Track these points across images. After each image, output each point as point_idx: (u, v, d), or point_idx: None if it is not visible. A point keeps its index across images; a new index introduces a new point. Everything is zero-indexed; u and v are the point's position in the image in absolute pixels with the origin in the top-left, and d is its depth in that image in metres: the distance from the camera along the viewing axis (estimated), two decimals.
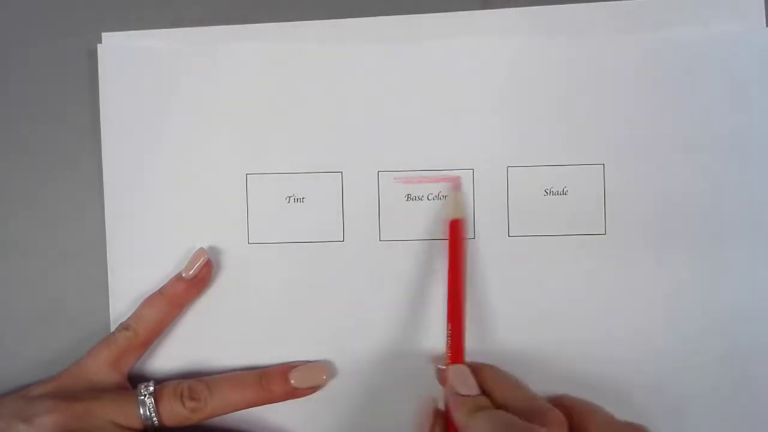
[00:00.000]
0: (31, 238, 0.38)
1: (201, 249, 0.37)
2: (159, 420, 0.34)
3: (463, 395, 0.33)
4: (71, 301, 0.38)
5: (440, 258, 0.37)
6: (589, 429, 0.31)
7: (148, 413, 0.34)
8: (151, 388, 0.35)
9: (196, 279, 0.36)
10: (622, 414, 0.33)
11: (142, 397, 0.34)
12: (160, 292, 0.36)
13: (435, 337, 0.37)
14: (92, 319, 0.38)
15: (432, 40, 0.37)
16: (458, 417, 0.32)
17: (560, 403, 0.33)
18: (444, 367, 0.35)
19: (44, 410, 0.34)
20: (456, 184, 0.37)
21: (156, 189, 0.37)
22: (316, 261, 0.37)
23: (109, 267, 0.37)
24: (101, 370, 0.35)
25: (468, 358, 0.35)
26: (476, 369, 0.34)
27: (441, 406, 0.34)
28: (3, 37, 0.38)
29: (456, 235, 0.36)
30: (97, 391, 0.35)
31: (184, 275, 0.36)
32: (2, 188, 0.38)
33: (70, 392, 0.35)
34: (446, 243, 0.36)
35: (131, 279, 0.37)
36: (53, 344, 0.38)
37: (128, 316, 0.36)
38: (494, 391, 0.33)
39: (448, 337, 0.35)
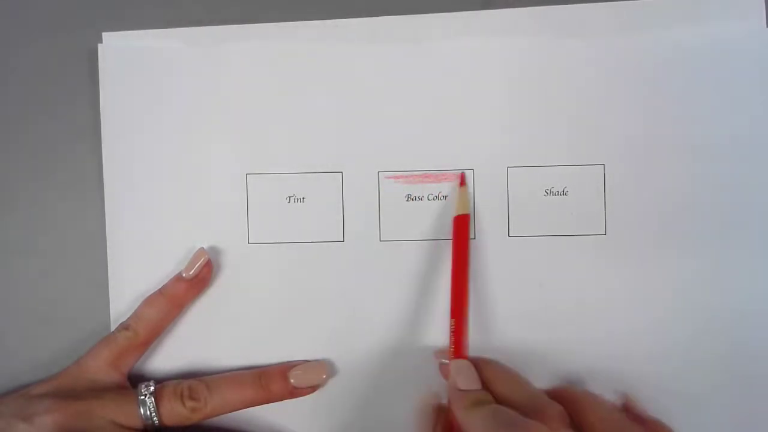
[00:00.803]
0: (31, 238, 0.38)
1: (201, 249, 0.37)
2: (159, 420, 0.34)
3: (463, 390, 0.33)
4: (71, 301, 0.38)
5: (440, 257, 0.37)
6: (589, 421, 0.31)
7: (148, 413, 0.34)
8: (152, 388, 0.35)
9: (197, 279, 0.36)
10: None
11: (143, 397, 0.34)
12: (160, 292, 0.36)
13: (436, 336, 0.37)
14: (92, 319, 0.38)
15: (432, 40, 0.37)
16: (458, 411, 0.32)
17: (561, 395, 0.32)
18: (446, 361, 0.35)
19: (44, 409, 0.34)
20: (462, 180, 0.37)
21: (156, 189, 0.37)
22: (316, 261, 0.37)
23: (109, 267, 0.37)
24: (101, 369, 0.35)
25: (469, 355, 0.35)
26: (478, 364, 0.34)
27: (444, 401, 0.34)
28: (3, 37, 0.38)
29: (461, 231, 0.36)
30: (97, 391, 0.35)
31: (184, 275, 0.36)
32: (2, 188, 0.38)
33: (70, 391, 0.35)
34: (448, 242, 0.36)
35: (131, 279, 0.37)
36: (53, 344, 0.38)
37: (128, 316, 0.36)
38: (496, 386, 0.33)
39: (451, 332, 0.35)
